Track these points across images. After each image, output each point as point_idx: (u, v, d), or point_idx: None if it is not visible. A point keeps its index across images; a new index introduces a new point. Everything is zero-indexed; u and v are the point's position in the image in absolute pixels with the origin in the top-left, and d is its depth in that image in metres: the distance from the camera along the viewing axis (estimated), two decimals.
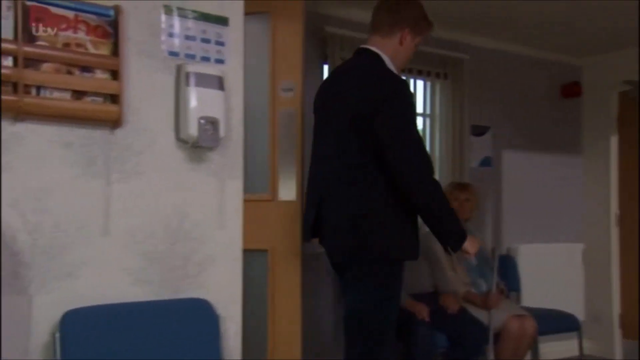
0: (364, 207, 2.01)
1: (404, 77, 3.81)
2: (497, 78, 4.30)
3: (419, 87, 3.96)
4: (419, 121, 3.98)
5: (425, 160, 2.03)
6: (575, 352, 3.68)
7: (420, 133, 2.12)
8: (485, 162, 4.24)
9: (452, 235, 2.10)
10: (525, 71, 4.44)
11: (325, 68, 3.56)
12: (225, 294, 1.78)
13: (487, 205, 4.23)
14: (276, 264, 1.83)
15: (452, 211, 2.10)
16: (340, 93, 2.13)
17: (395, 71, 2.19)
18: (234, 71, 1.73)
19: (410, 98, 2.09)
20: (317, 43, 3.53)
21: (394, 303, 2.11)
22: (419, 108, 3.96)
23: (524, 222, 4.36)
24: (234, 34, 1.70)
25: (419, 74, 3.90)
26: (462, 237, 2.10)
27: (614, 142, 4.50)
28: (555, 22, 3.83)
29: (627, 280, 4.41)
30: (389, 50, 2.17)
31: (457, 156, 4.00)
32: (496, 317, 3.15)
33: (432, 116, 4.00)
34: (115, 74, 1.50)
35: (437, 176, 3.95)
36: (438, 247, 3.44)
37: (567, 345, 4.10)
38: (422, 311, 3.00)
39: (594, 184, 4.61)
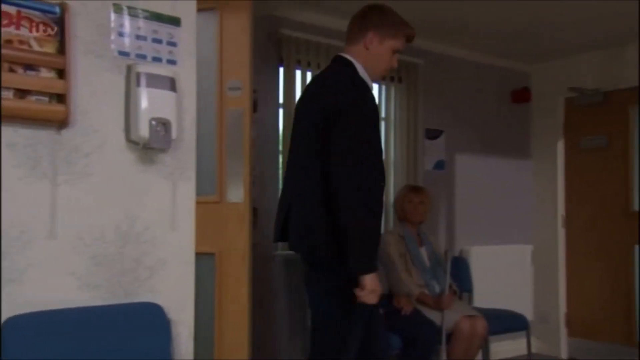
0: (320, 215, 1.99)
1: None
2: (450, 83, 4.39)
3: (373, 91, 4.00)
4: None
5: (361, 181, 1.94)
6: (523, 351, 3.78)
7: (368, 141, 2.01)
8: (439, 165, 4.31)
9: (358, 262, 1.95)
10: (477, 76, 4.55)
11: (281, 70, 3.56)
12: (176, 298, 1.76)
13: (441, 207, 4.30)
14: (224, 267, 1.81)
15: (369, 242, 1.96)
16: (308, 101, 2.16)
17: (368, 78, 2.16)
18: (186, 72, 1.71)
19: (367, 110, 2.04)
20: (273, 45, 3.53)
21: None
22: None
23: (476, 224, 4.46)
24: (187, 34, 1.68)
25: None
26: (366, 270, 1.94)
27: (560, 146, 4.66)
28: (507, 30, 3.93)
29: (573, 281, 4.56)
30: (360, 58, 2.16)
31: (411, 159, 4.06)
32: (448, 317, 3.20)
33: (387, 119, 4.04)
34: (61, 73, 1.46)
35: (391, 179, 4.03)
36: (392, 250, 3.49)
37: (516, 344, 4.21)
38: None
39: (542, 187, 4.75)
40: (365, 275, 1.94)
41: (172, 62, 1.64)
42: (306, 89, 2.28)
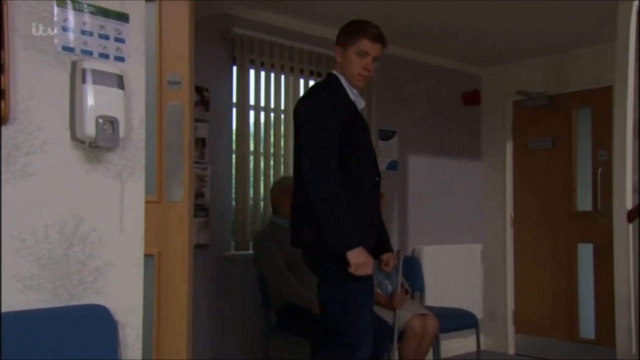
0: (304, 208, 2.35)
1: (312, 80, 3.87)
2: (403, 84, 4.45)
3: None
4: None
5: (319, 162, 2.28)
6: (473, 348, 3.87)
7: (329, 149, 2.32)
8: (392, 165, 4.36)
9: (335, 243, 2.27)
10: (430, 79, 4.62)
11: (234, 69, 3.53)
12: (124, 300, 1.71)
13: (394, 208, 4.35)
14: (162, 269, 1.76)
15: (338, 224, 2.26)
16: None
17: (352, 87, 2.50)
18: (134, 70, 1.67)
19: (317, 109, 2.38)
20: (226, 44, 3.50)
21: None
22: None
23: (428, 224, 4.53)
24: (135, 31, 1.64)
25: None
26: (344, 247, 2.25)
27: (508, 147, 4.78)
28: (459, 34, 4.02)
29: (520, 279, 4.70)
30: (339, 69, 2.51)
31: None
32: (400, 316, 3.24)
33: None
34: (0, 68, 1.40)
35: None
36: None
37: (466, 341, 4.31)
38: None
39: (491, 187, 4.87)
40: (347, 252, 2.23)
41: (120, 59, 1.60)
42: None
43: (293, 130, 2.57)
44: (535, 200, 4.61)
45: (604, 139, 4.11)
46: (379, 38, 2.48)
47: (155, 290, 1.74)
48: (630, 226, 3.41)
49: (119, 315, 1.68)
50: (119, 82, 1.56)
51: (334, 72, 2.54)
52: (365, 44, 2.45)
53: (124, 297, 1.72)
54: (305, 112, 2.40)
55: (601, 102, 4.17)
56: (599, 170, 4.17)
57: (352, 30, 2.48)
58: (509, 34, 4.00)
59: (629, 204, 3.43)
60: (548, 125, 4.56)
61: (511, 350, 4.67)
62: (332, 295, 2.38)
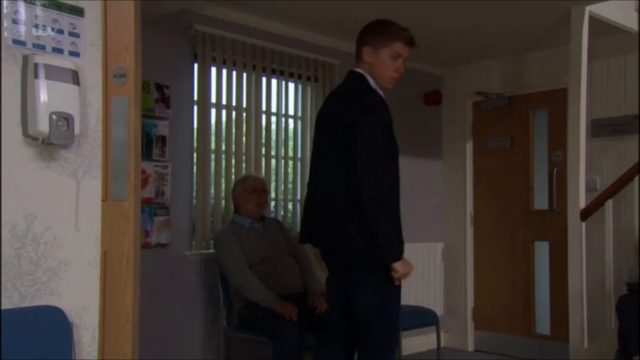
0: (346, 215, 2.33)
1: (274, 79, 3.87)
2: None
3: (290, 90, 4.01)
4: (290, 123, 4.05)
5: (384, 179, 2.30)
6: (434, 345, 3.92)
7: (383, 146, 2.35)
8: None
9: (388, 254, 2.33)
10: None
11: (196, 67, 3.48)
12: (79, 301, 1.68)
13: None
14: (108, 270, 1.73)
15: (395, 229, 2.32)
16: (330, 115, 2.46)
17: (379, 88, 2.48)
18: (90, 65, 1.63)
19: (382, 115, 2.38)
20: (187, 41, 3.45)
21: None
22: (290, 110, 4.01)
23: None
24: (91, 25, 1.60)
25: (290, 77, 3.95)
26: (395, 258, 2.32)
27: (469, 148, 4.86)
28: (421, 34, 4.04)
29: (479, 276, 4.78)
30: (365, 69, 2.47)
31: None
32: None
33: (303, 119, 4.06)
34: None
35: (307, 178, 4.04)
36: (308, 248, 3.51)
37: (427, 338, 4.36)
38: (291, 311, 3.03)
39: (452, 186, 4.94)
40: (397, 262, 2.31)
41: (74, 54, 1.56)
42: (328, 103, 2.59)
43: (325, 133, 2.46)
44: (494, 200, 4.70)
45: (559, 140, 4.22)
46: (412, 41, 2.51)
47: (100, 292, 1.70)
48: (584, 224, 3.52)
49: (74, 316, 1.64)
50: (74, 77, 1.52)
51: (361, 71, 2.47)
52: (400, 47, 2.47)
53: (79, 297, 1.68)
54: (367, 123, 2.32)
55: (557, 103, 4.28)
56: (555, 170, 4.28)
57: (386, 33, 2.47)
58: (469, 35, 4.07)
59: (582, 203, 3.53)
60: (507, 125, 4.65)
61: (471, 347, 4.75)
62: (376, 300, 2.38)
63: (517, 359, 4.42)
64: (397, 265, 2.31)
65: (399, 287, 2.42)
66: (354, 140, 2.29)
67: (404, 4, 3.42)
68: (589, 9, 3.48)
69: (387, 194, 2.31)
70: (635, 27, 3.83)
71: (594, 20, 3.55)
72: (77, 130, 1.58)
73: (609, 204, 3.47)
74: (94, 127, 1.71)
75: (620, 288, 3.06)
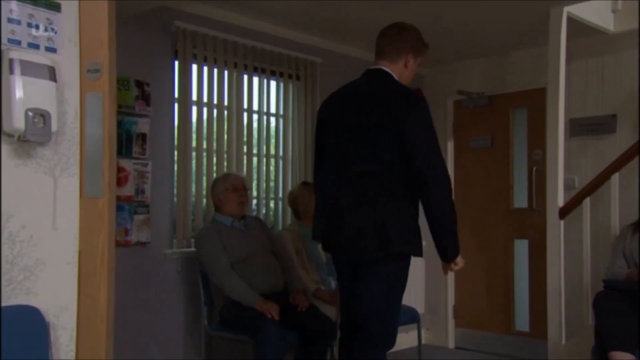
0: (389, 211, 2.30)
1: (255, 76, 3.85)
2: (348, 81, 4.45)
3: (272, 88, 3.99)
4: (272, 121, 4.04)
5: (446, 173, 2.34)
6: (415, 342, 3.93)
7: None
8: None
9: (455, 249, 2.42)
10: None
11: (176, 64, 3.46)
12: (56, 300, 1.66)
13: None
14: (82, 270, 1.71)
15: (456, 227, 2.39)
16: (361, 111, 2.35)
17: None
18: (68, 61, 1.61)
19: (429, 114, 2.34)
20: (168, 38, 3.43)
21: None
22: (272, 108, 4.00)
23: None
24: (68, 21, 1.59)
25: (272, 74, 3.93)
26: (457, 253, 2.43)
27: (450, 146, 4.89)
28: None
29: (460, 274, 4.81)
30: (396, 72, 2.43)
31: (309, 156, 4.09)
32: None
33: (284, 116, 4.06)
34: None
35: (289, 176, 4.05)
36: (290, 247, 3.50)
37: (408, 336, 4.37)
38: (272, 310, 3.02)
39: None
40: (458, 257, 2.43)
41: (51, 49, 1.54)
42: (345, 99, 2.47)
43: (366, 127, 2.33)
44: (475, 198, 4.73)
45: (538, 139, 4.26)
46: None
47: (78, 292, 1.69)
48: (562, 222, 3.56)
49: (51, 316, 1.62)
50: (51, 73, 1.51)
51: (389, 70, 2.42)
52: (425, 57, 2.57)
53: (56, 297, 1.66)
54: (425, 128, 2.29)
55: (536, 103, 4.33)
56: (534, 168, 4.33)
57: (423, 42, 2.52)
58: (450, 35, 4.09)
59: (561, 202, 3.57)
60: (487, 124, 4.69)
61: (451, 344, 4.79)
62: (382, 300, 2.38)
63: (497, 356, 4.46)
64: (459, 259, 2.44)
65: (403, 289, 2.45)
66: (414, 148, 2.25)
67: (387, 4, 3.44)
68: (567, 9, 3.53)
69: (452, 200, 2.35)
70: (611, 27, 3.89)
71: (572, 21, 3.59)
72: (54, 127, 1.56)
73: (587, 202, 3.52)
74: (72, 124, 1.69)
75: (597, 285, 3.10)
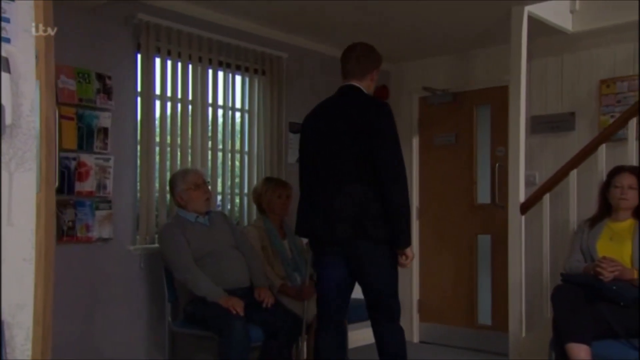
0: (368, 203, 2.66)
1: (220, 71, 3.82)
2: (314, 77, 4.46)
3: (237, 83, 3.96)
4: (237, 116, 4.01)
5: (404, 173, 2.71)
6: None
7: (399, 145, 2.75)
8: None
9: (408, 238, 2.73)
10: (340, 73, 4.66)
11: (139, 57, 3.40)
12: (12, 298, 1.61)
13: None
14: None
15: (409, 218, 2.74)
16: (339, 120, 2.77)
17: None
18: (23, 52, 1.56)
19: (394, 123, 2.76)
20: (131, 31, 3.37)
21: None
22: (237, 103, 3.97)
23: None
24: (23, 10, 1.54)
25: (237, 69, 3.91)
26: (409, 242, 2.75)
27: (415, 143, 4.94)
28: (368, 29, 4.08)
29: (425, 269, 4.88)
30: (364, 86, 2.86)
31: (274, 152, 4.08)
32: (309, 308, 3.27)
33: (250, 112, 4.03)
34: None
35: (254, 172, 4.03)
36: (255, 242, 3.49)
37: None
38: (237, 305, 3.01)
39: None
40: (409, 247, 2.72)
41: (5, 39, 1.49)
42: (327, 111, 2.87)
43: (348, 132, 2.73)
44: (440, 194, 4.79)
45: (501, 136, 4.34)
46: None
47: (32, 289, 1.64)
48: (523, 218, 3.64)
49: (6, 314, 1.57)
50: (5, 64, 1.46)
51: (360, 86, 2.84)
52: None
53: (12, 294, 1.61)
54: (390, 127, 2.70)
55: (499, 100, 4.40)
56: (497, 165, 4.41)
57: (380, 58, 2.96)
58: (415, 32, 4.13)
59: (522, 197, 3.65)
60: (452, 121, 4.75)
61: (416, 338, 4.84)
62: (393, 277, 2.82)
63: (461, 349, 4.54)
64: (408, 250, 2.73)
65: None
66: (381, 141, 2.65)
67: (352, 1, 3.44)
68: (528, 9, 3.59)
69: (406, 190, 2.70)
70: (569, 27, 3.98)
71: (533, 21, 3.66)
72: (8, 120, 1.51)
73: (547, 197, 3.60)
74: (28, 117, 1.64)
75: (556, 279, 3.17)
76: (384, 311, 2.84)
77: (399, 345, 2.90)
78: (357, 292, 4.37)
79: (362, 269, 2.76)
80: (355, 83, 2.85)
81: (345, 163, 2.72)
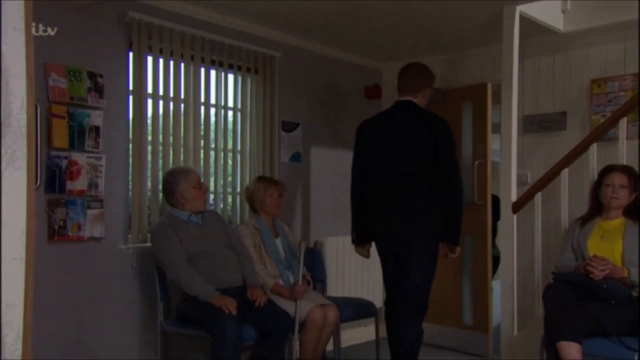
0: (429, 206, 3.06)
1: (213, 70, 3.81)
2: (307, 76, 4.47)
3: (229, 81, 3.95)
4: (230, 115, 4.00)
5: (460, 179, 3.15)
6: (373, 336, 3.97)
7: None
8: (295, 157, 4.38)
9: (459, 237, 3.15)
10: (333, 72, 4.67)
11: (131, 56, 3.38)
12: (3, 297, 1.60)
13: (297, 199, 4.38)
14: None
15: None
16: (402, 133, 3.14)
17: None
18: (13, 50, 1.55)
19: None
20: (123, 29, 3.35)
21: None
22: (230, 102, 3.97)
23: (330, 216, 4.59)
24: (13, 7, 1.53)
25: (229, 68, 3.90)
26: (459, 240, 3.16)
27: None
28: (362, 29, 4.09)
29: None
30: (417, 102, 3.21)
31: (267, 151, 4.08)
32: (302, 307, 3.27)
33: (242, 111, 4.03)
34: None
35: (247, 171, 4.02)
36: (248, 241, 3.48)
37: (367, 330, 4.41)
38: (230, 305, 3.00)
39: None
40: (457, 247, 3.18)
41: None
42: (391, 123, 3.21)
43: (416, 144, 3.10)
44: None
45: (482, 134, 4.36)
46: None
47: (23, 288, 1.63)
48: (515, 217, 3.65)
49: None
50: None
51: (415, 101, 3.22)
52: None
53: (2, 294, 1.60)
54: (453, 142, 3.14)
55: (479, 98, 4.41)
56: (477, 163, 4.42)
57: (432, 77, 3.30)
58: (408, 31, 4.13)
59: (514, 196, 3.66)
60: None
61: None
62: (431, 274, 3.14)
63: (446, 349, 4.53)
64: (458, 247, 3.17)
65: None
66: (447, 155, 3.07)
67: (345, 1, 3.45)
68: (520, 9, 3.61)
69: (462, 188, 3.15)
70: (561, 27, 4.00)
71: (525, 20, 3.68)
72: None
73: (539, 197, 3.61)
74: (19, 116, 1.63)
75: (548, 278, 3.18)
76: (414, 307, 3.15)
77: (417, 346, 3.20)
78: (348, 292, 4.39)
79: (408, 263, 3.09)
80: (410, 98, 3.19)
81: (412, 170, 3.07)
